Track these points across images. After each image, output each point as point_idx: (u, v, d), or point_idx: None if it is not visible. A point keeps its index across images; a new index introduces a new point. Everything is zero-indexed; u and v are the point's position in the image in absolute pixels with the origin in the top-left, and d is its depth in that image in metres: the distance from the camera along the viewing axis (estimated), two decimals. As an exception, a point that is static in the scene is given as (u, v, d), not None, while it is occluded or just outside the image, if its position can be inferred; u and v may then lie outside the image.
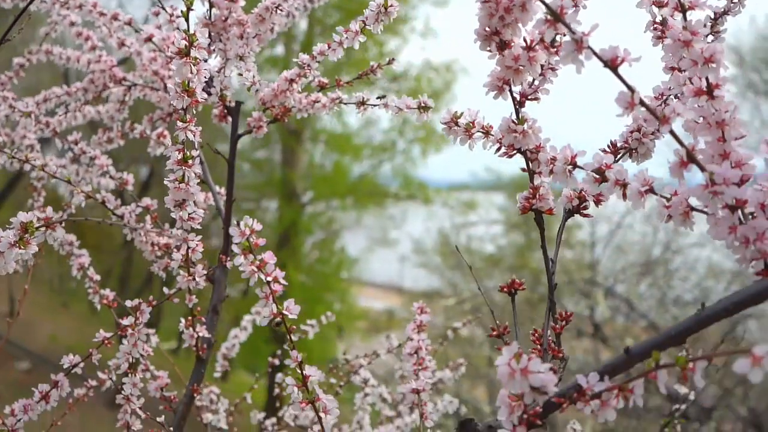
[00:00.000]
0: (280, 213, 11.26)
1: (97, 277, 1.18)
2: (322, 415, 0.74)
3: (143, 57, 1.23)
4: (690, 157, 0.58)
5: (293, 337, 0.75)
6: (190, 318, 1.06)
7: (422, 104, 0.95)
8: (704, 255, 7.20)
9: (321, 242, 11.92)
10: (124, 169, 1.31)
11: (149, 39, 1.06)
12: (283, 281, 0.71)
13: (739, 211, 0.60)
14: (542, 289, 7.99)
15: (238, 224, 0.69)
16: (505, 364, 0.57)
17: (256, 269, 0.70)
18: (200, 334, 1.07)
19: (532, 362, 0.57)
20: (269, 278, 0.70)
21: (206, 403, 1.45)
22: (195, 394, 1.10)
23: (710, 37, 0.81)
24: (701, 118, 0.63)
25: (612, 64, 0.58)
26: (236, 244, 0.69)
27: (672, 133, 0.58)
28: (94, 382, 1.22)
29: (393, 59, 1.14)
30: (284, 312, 0.71)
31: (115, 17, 1.16)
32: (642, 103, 0.57)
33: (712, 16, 0.82)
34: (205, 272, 1.02)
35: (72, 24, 1.27)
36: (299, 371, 0.74)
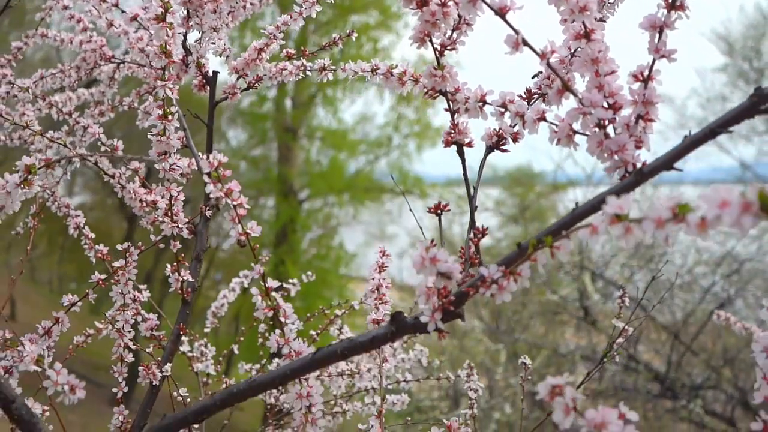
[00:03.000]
0: (277, 210, 11.38)
1: (92, 235, 1.32)
2: (282, 319, 0.87)
3: (130, 36, 1.37)
4: (565, 86, 0.72)
5: (260, 263, 0.89)
6: (175, 263, 1.20)
7: (374, 68, 1.08)
8: (692, 239, 7.34)
9: (319, 238, 12.04)
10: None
11: (134, 18, 1.19)
12: (246, 206, 0.84)
13: (610, 130, 0.74)
14: (538, 280, 8.13)
15: (208, 157, 0.83)
16: (417, 254, 0.70)
17: (223, 195, 0.83)
18: (185, 278, 1.20)
19: (440, 252, 0.70)
20: (236, 203, 0.84)
21: (197, 354, 1.59)
22: (181, 332, 1.23)
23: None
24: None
25: (501, 12, 0.71)
26: (206, 173, 0.83)
27: (550, 66, 0.72)
28: (91, 331, 1.36)
29: (352, 31, 1.28)
30: (248, 231, 0.85)
31: (103, -1, 1.29)
32: (524, 42, 0.71)
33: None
34: (186, 220, 1.15)
35: (65, 8, 1.41)
36: (262, 283, 0.87)
